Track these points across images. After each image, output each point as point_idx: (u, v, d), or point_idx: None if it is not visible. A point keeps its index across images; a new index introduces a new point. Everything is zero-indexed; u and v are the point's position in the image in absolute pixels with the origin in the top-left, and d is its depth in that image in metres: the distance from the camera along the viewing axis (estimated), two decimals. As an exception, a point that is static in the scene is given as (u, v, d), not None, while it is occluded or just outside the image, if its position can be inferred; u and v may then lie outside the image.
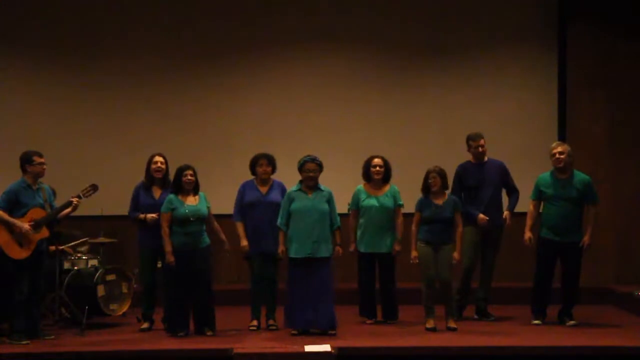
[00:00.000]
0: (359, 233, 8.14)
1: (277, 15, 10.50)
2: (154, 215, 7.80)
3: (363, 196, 8.16)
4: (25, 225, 7.27)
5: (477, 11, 10.47)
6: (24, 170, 7.47)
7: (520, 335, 7.51)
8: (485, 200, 8.28)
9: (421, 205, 7.86)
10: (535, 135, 10.11)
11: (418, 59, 10.49)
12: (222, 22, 10.49)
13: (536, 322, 8.05)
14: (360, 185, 8.27)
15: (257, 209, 7.91)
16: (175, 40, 10.46)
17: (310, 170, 7.67)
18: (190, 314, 7.65)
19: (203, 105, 10.48)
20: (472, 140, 8.39)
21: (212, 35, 10.48)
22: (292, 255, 7.58)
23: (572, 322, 8.00)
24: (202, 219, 7.61)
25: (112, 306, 8.32)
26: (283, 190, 7.95)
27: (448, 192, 7.99)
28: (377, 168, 8.18)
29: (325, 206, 7.66)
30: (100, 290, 8.18)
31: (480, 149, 8.34)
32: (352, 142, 10.25)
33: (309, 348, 6.83)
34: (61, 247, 8.30)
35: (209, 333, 7.60)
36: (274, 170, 8.06)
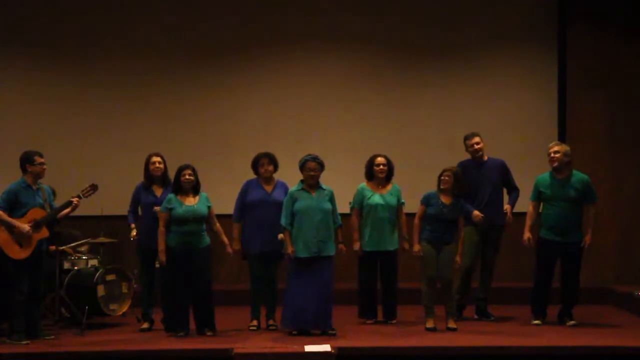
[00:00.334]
0: (362, 231, 8.15)
1: (277, 15, 10.50)
2: (134, 234, 7.98)
3: (368, 194, 8.16)
4: (26, 227, 7.27)
5: (477, 11, 10.48)
6: (24, 170, 7.46)
7: (520, 335, 7.51)
8: (484, 200, 8.28)
9: (428, 200, 7.82)
10: (535, 135, 10.11)
11: (418, 59, 10.49)
12: (222, 22, 10.49)
13: (536, 322, 8.05)
14: (363, 183, 8.27)
15: (261, 207, 7.90)
16: (175, 40, 10.46)
17: (311, 169, 7.67)
18: (190, 314, 7.64)
19: (203, 105, 10.48)
20: (467, 140, 8.40)
21: (212, 35, 10.49)
22: (298, 254, 7.57)
23: (572, 322, 8.00)
24: (201, 219, 7.59)
25: (112, 306, 8.31)
26: (286, 190, 7.94)
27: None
28: (381, 167, 8.19)
29: (329, 205, 7.66)
30: (100, 290, 8.18)
31: (475, 147, 8.33)
32: (351, 142, 10.27)
33: (309, 348, 6.83)
34: (61, 248, 8.31)
35: (209, 333, 7.59)
36: (275, 169, 8.06)
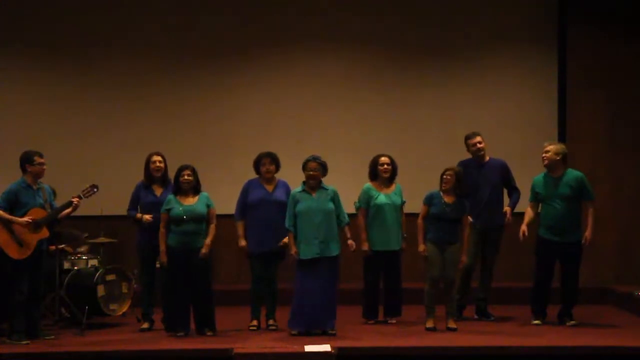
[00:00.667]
0: (369, 231, 8.14)
1: (277, 15, 10.50)
2: (148, 217, 7.83)
3: (374, 194, 8.16)
4: (25, 218, 7.25)
5: (477, 11, 10.48)
6: (24, 170, 7.46)
7: (520, 335, 7.51)
8: (484, 200, 8.28)
9: (430, 200, 7.81)
10: (535, 135, 10.08)
11: (418, 59, 10.49)
12: (222, 22, 10.49)
13: (536, 322, 8.05)
14: (368, 183, 8.27)
15: (262, 207, 7.89)
16: (175, 40, 10.46)
17: (312, 169, 7.66)
18: (190, 314, 7.64)
19: (203, 105, 10.48)
20: (469, 139, 8.41)
21: (212, 35, 10.49)
22: (301, 256, 7.57)
23: (572, 322, 8.00)
24: (199, 219, 7.58)
25: (112, 306, 8.31)
26: (287, 189, 7.94)
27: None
28: (385, 166, 8.20)
29: (330, 205, 7.65)
30: (100, 290, 8.18)
31: (477, 146, 8.34)
32: (352, 142, 10.27)
33: (309, 348, 6.83)
34: (61, 246, 8.31)
35: (209, 333, 7.59)
36: (277, 168, 8.06)
